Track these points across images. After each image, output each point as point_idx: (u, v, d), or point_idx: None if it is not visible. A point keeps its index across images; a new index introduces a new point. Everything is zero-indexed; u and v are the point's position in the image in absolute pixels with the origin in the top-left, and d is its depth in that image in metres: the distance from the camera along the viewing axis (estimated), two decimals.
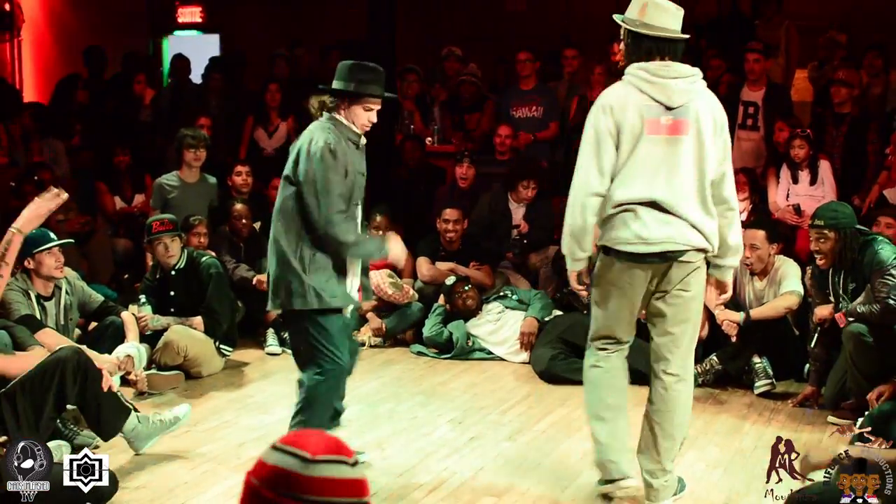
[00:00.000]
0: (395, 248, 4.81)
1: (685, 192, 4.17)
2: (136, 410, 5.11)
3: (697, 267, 4.29)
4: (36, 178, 8.00)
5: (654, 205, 4.16)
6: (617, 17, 4.26)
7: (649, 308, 4.38)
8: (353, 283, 4.67)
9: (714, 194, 4.24)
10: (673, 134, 4.14)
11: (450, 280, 7.41)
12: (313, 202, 4.41)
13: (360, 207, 4.65)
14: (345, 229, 4.45)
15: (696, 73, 4.26)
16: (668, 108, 4.14)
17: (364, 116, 4.59)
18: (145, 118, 9.76)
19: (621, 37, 4.26)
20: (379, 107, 4.63)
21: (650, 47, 4.18)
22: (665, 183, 4.15)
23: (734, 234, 4.35)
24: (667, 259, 4.21)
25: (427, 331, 7.26)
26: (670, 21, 4.20)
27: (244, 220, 7.61)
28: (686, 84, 4.19)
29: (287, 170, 4.55)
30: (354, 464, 1.83)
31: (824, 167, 7.49)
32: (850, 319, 5.60)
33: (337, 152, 4.43)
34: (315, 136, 4.48)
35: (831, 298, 5.82)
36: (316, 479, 1.77)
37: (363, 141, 4.65)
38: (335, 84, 4.57)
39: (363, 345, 7.36)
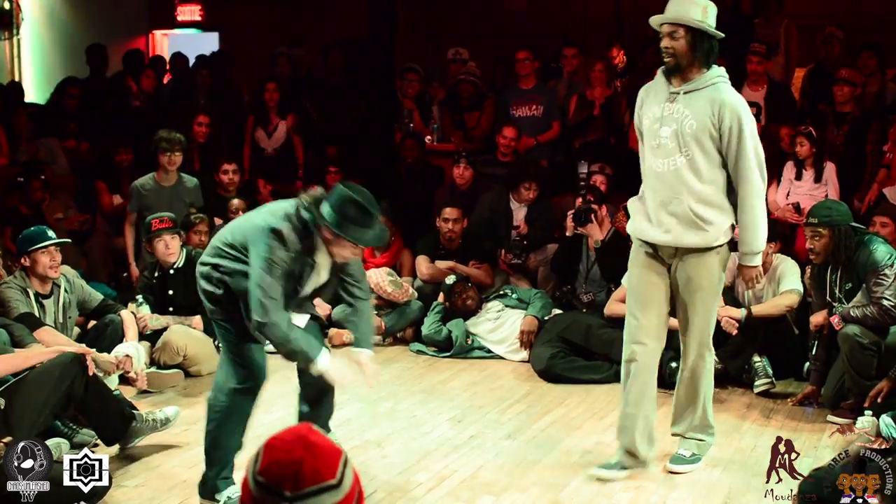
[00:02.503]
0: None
1: None
2: (135, 409, 5.14)
3: None
4: (43, 177, 8.00)
5: None
6: (692, 21, 4.40)
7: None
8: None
9: None
10: None
11: (450, 279, 7.41)
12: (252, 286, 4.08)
13: (297, 296, 4.29)
14: (268, 326, 4.07)
15: None
16: None
17: (340, 253, 4.21)
18: (138, 105, 9.71)
19: (687, 38, 4.42)
20: (360, 249, 4.30)
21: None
22: None
23: None
24: None
25: (426, 329, 7.26)
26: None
27: (241, 214, 7.62)
28: None
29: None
30: (339, 483, 1.80)
31: (829, 169, 7.49)
32: (844, 323, 5.61)
33: (282, 237, 4.07)
34: (273, 215, 4.15)
35: (828, 299, 5.82)
36: None
37: (326, 262, 4.29)
38: (325, 207, 4.08)
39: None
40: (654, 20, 4.49)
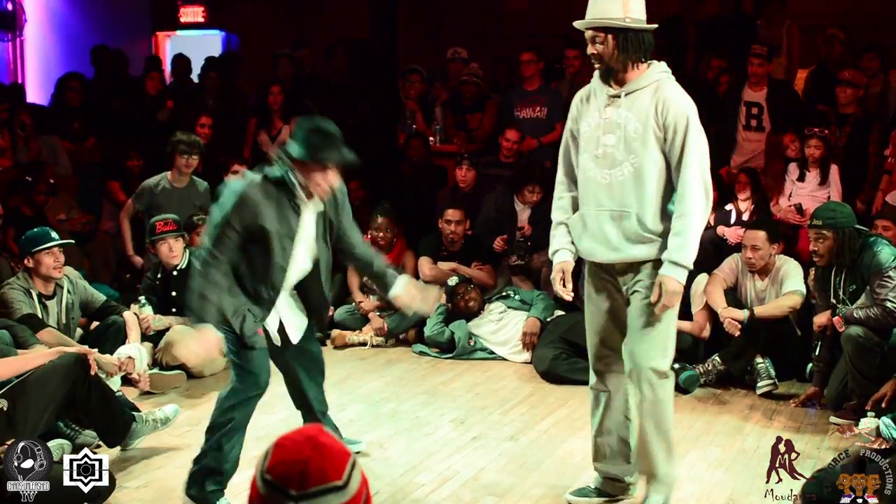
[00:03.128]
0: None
1: None
2: (136, 410, 5.15)
3: None
4: (51, 181, 8.01)
5: None
6: (612, 22, 3.97)
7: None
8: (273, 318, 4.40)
9: None
10: None
11: (452, 281, 7.41)
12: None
13: (287, 271, 4.23)
14: (198, 272, 4.07)
15: None
16: None
17: (320, 185, 4.13)
18: (163, 118, 9.70)
19: (611, 41, 3.99)
20: (334, 171, 4.14)
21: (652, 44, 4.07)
22: None
23: None
24: None
25: (429, 330, 7.26)
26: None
27: None
28: None
29: None
30: (345, 484, 1.80)
31: (833, 170, 7.49)
32: (847, 324, 5.60)
33: (247, 200, 4.07)
34: (242, 179, 4.19)
35: (832, 300, 5.81)
36: None
37: (316, 207, 4.26)
38: (290, 146, 4.12)
39: (365, 344, 7.37)
40: (577, 25, 4.08)
